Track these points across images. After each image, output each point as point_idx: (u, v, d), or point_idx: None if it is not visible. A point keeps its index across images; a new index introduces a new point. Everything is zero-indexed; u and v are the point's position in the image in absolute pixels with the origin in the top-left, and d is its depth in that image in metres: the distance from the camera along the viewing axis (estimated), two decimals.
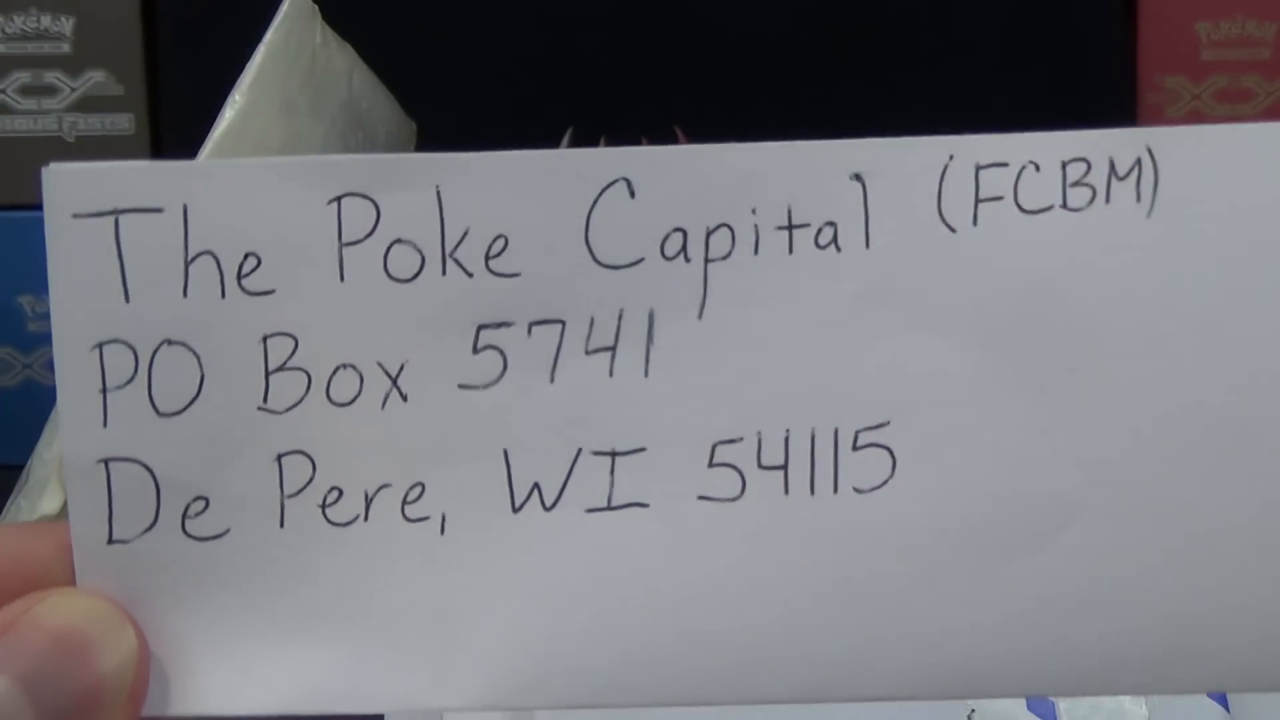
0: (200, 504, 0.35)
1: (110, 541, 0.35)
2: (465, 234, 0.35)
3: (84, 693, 0.33)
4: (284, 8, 0.65)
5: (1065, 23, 0.78)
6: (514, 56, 0.79)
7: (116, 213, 0.35)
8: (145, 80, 0.78)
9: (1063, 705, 0.55)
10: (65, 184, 0.35)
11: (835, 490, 0.35)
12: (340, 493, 0.35)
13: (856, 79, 0.76)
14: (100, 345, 0.35)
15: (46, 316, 0.78)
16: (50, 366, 0.74)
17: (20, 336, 0.78)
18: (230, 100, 0.61)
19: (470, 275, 0.35)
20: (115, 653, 0.34)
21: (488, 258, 0.35)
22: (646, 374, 0.35)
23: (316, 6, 0.67)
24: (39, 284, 0.78)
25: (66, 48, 0.77)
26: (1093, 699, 0.55)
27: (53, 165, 0.35)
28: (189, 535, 0.35)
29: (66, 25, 0.77)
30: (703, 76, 0.77)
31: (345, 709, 0.35)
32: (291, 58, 0.64)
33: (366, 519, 0.35)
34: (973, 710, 0.55)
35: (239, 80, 0.62)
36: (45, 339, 0.77)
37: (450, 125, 0.65)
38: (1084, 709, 0.55)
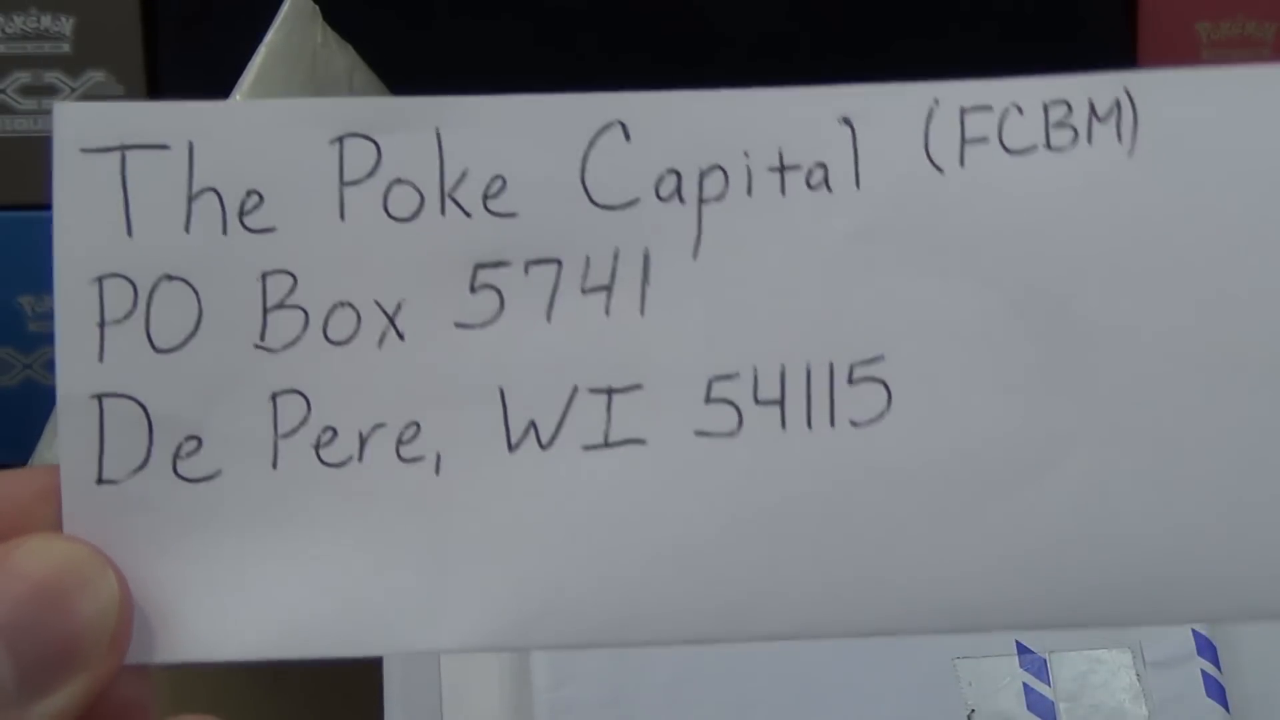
0: (192, 444, 0.35)
1: (100, 481, 0.35)
2: (464, 175, 0.35)
3: (63, 641, 0.33)
4: (284, 8, 0.65)
5: (1065, 22, 0.79)
6: (514, 56, 0.79)
7: (124, 148, 0.35)
8: (145, 80, 0.78)
9: (1063, 706, 0.55)
10: (75, 119, 0.35)
11: (832, 424, 0.35)
12: (334, 433, 0.35)
13: (853, 79, 0.76)
14: (100, 279, 0.35)
15: (46, 316, 0.78)
16: (51, 367, 0.74)
17: (20, 336, 0.78)
18: (231, 100, 0.61)
19: (468, 215, 0.35)
20: (95, 600, 0.34)
21: (486, 198, 0.35)
22: (643, 312, 0.35)
23: (317, 7, 0.67)
24: (39, 284, 0.78)
25: (66, 48, 0.77)
26: (1093, 700, 0.55)
27: (63, 103, 0.35)
28: (180, 476, 0.35)
29: (66, 25, 0.77)
30: (707, 78, 0.77)
31: (339, 653, 0.35)
32: (292, 58, 0.65)
33: (360, 459, 0.35)
34: (973, 710, 0.55)
35: (239, 81, 0.62)
36: (45, 339, 0.77)
37: None
38: (1084, 710, 0.55)
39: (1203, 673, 0.56)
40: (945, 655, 0.55)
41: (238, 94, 0.61)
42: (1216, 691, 0.56)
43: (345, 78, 0.68)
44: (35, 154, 0.77)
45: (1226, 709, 0.55)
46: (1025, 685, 0.55)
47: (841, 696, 0.55)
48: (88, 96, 0.78)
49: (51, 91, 0.78)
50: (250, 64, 0.63)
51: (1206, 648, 0.56)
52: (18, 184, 0.76)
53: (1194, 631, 0.56)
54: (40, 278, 0.79)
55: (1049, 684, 0.55)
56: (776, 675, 0.55)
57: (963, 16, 0.79)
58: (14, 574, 0.33)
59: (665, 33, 0.79)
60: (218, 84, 0.61)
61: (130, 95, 0.78)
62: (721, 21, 0.79)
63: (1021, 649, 0.55)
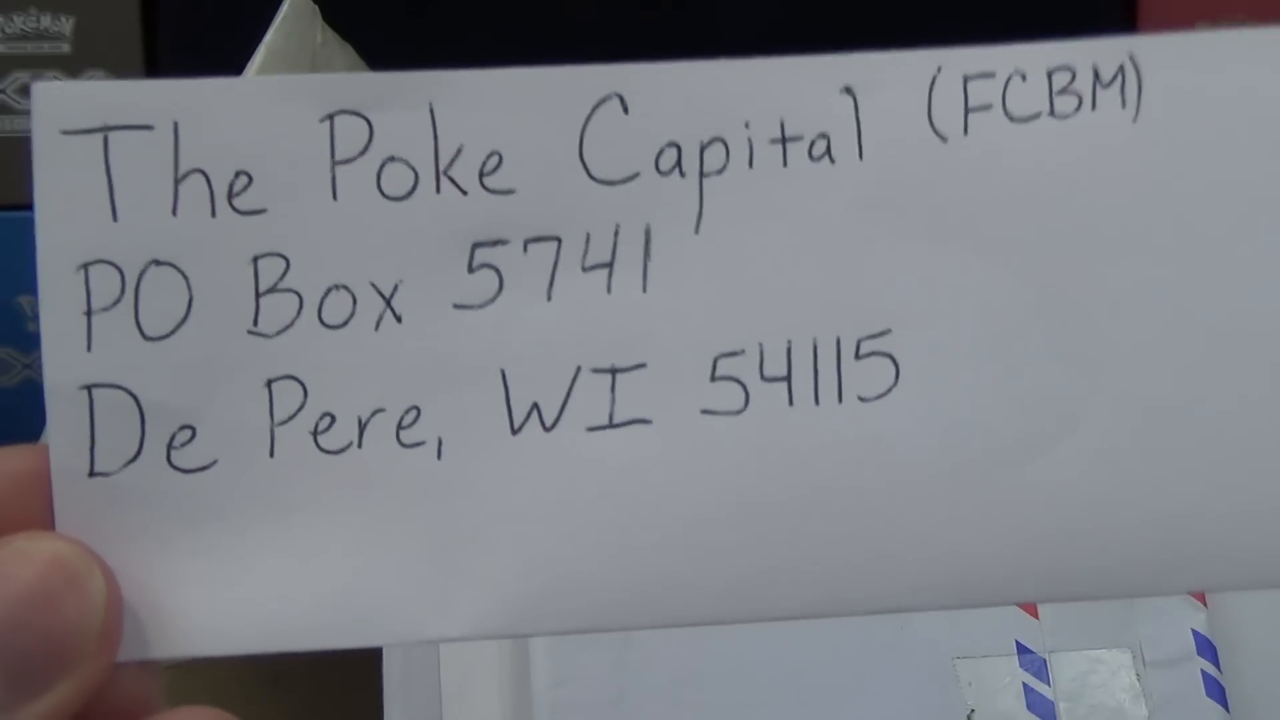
0: (187, 433, 0.34)
1: (91, 474, 0.34)
2: (459, 151, 0.34)
3: (51, 643, 0.32)
4: (284, 8, 0.65)
5: (1065, 22, 0.79)
6: (513, 56, 0.79)
7: (106, 129, 0.34)
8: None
9: (1063, 706, 0.55)
10: (54, 100, 0.34)
11: (839, 400, 0.35)
12: (332, 419, 0.35)
13: None
14: (86, 266, 0.34)
15: None
16: None
17: (20, 336, 0.78)
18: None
19: (464, 193, 0.35)
20: (83, 599, 0.33)
21: (482, 175, 0.35)
22: (645, 290, 0.35)
23: (316, 7, 0.67)
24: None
25: (66, 48, 0.77)
26: (1093, 700, 0.55)
27: (41, 82, 0.34)
28: (174, 467, 0.34)
29: (66, 25, 0.77)
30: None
31: (342, 644, 0.34)
32: (292, 58, 0.64)
33: (360, 446, 0.34)
34: (973, 710, 0.55)
35: None
36: None
37: None
38: (1084, 710, 0.55)
39: (1203, 673, 0.56)
40: (945, 655, 0.55)
41: None
42: (1216, 691, 0.55)
43: None
44: None
45: (1226, 709, 0.55)
46: (1025, 685, 0.55)
47: (841, 696, 0.54)
48: None
49: None
50: (250, 64, 0.63)
51: (1206, 648, 0.56)
52: (18, 184, 0.76)
53: (1194, 631, 0.56)
54: None
55: (1049, 684, 0.55)
56: (776, 675, 0.55)
57: (961, 15, 0.79)
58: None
59: (667, 35, 0.79)
60: None
61: None
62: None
63: (1021, 649, 0.55)
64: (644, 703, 0.54)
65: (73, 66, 0.77)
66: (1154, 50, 0.35)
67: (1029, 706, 0.55)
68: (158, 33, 0.79)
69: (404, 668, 0.55)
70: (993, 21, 0.79)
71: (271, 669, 0.66)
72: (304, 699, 0.64)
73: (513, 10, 0.80)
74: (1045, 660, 0.55)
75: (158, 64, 0.78)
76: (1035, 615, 0.56)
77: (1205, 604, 0.57)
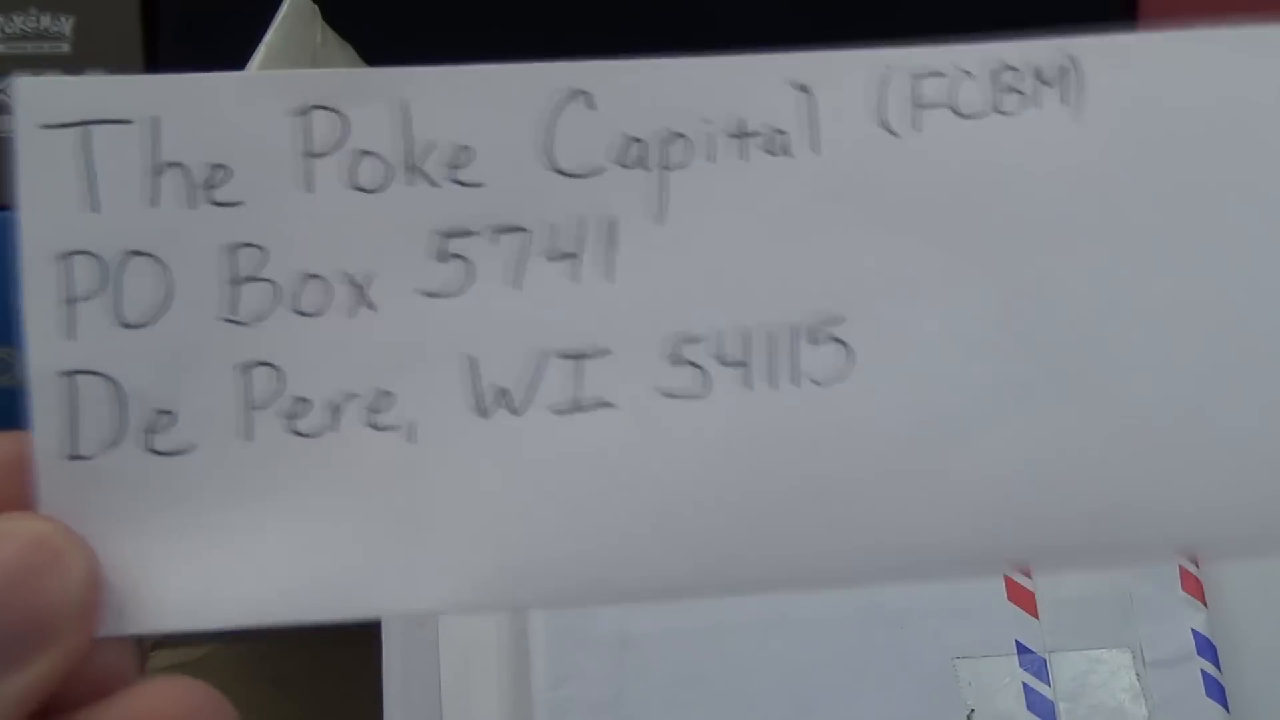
0: (165, 418, 0.35)
1: (73, 458, 0.35)
2: (430, 145, 0.36)
3: (33, 618, 0.33)
4: (284, 8, 0.65)
5: (1065, 23, 0.78)
6: (512, 56, 0.79)
7: (86, 124, 0.35)
8: None
9: (1063, 706, 0.55)
10: (35, 95, 0.35)
11: (796, 384, 0.36)
12: (307, 404, 0.35)
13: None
14: (67, 256, 0.35)
15: None
16: None
17: (21, 336, 0.78)
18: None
19: (435, 186, 0.36)
20: (65, 576, 0.34)
21: (452, 168, 0.36)
22: (609, 279, 0.36)
23: (316, 7, 0.67)
24: None
25: (66, 48, 0.77)
26: (1093, 700, 0.55)
27: (21, 78, 0.35)
28: (154, 451, 0.35)
29: (66, 25, 0.77)
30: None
31: (317, 618, 0.35)
32: (292, 58, 0.65)
33: (335, 429, 0.35)
34: (972, 710, 0.55)
35: None
36: None
37: None
38: (1084, 710, 0.55)
39: (1203, 673, 0.56)
40: (945, 655, 0.56)
41: None
42: (1216, 691, 0.56)
43: None
44: None
45: (1226, 709, 0.55)
46: (1025, 685, 0.55)
47: (841, 697, 0.55)
48: None
49: None
50: (250, 64, 0.63)
51: (1206, 648, 0.56)
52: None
53: (1194, 631, 0.56)
54: None
55: (1049, 684, 0.55)
56: (776, 675, 0.55)
57: (961, 16, 0.79)
58: None
59: (666, 35, 0.79)
60: None
61: None
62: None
63: (1021, 649, 0.56)
64: (644, 703, 0.54)
65: (73, 66, 0.77)
66: (1092, 51, 0.37)
67: (1029, 706, 0.55)
68: (158, 33, 0.79)
69: (404, 668, 0.56)
70: (991, 20, 0.79)
71: (271, 669, 0.66)
72: (304, 699, 0.64)
73: (513, 10, 0.80)
74: (1045, 660, 0.55)
75: (158, 64, 0.79)
76: (1035, 615, 0.56)
77: (1205, 604, 0.57)
